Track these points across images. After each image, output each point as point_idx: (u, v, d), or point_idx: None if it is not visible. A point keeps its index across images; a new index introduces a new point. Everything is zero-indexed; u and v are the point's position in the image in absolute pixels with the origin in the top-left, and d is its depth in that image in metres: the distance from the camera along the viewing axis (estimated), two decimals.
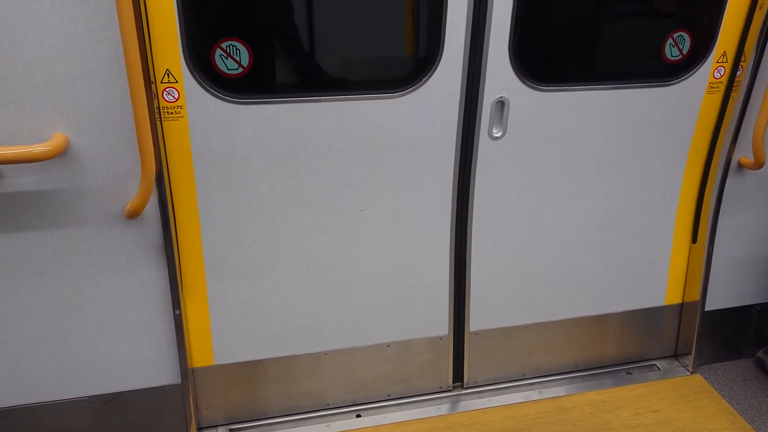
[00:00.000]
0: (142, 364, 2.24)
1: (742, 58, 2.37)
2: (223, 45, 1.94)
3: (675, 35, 2.31)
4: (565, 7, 2.21)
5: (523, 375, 2.76)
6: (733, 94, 2.42)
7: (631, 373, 2.83)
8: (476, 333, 2.61)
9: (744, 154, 2.52)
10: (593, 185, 2.47)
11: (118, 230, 2.04)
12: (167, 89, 1.93)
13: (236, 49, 1.95)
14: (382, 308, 2.46)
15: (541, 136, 2.32)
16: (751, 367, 2.89)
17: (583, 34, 2.29)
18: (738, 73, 2.39)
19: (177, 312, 2.18)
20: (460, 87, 2.16)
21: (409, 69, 2.15)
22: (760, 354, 2.89)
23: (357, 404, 2.60)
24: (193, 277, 2.23)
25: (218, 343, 2.34)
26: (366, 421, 2.53)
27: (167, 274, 2.13)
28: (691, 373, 2.82)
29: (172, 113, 1.97)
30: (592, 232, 2.56)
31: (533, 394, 2.68)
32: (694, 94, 2.40)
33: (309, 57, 2.08)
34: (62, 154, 1.85)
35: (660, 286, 2.76)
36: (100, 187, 1.96)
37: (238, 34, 1.94)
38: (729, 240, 2.69)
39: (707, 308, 2.77)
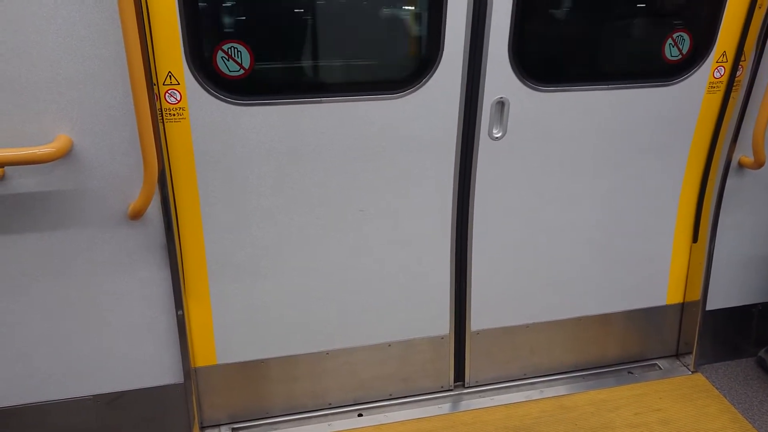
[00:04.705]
0: (145, 364, 2.26)
1: (742, 58, 2.37)
2: (225, 47, 1.95)
3: (675, 35, 2.31)
4: (565, 7, 2.22)
5: (525, 374, 2.77)
6: (733, 94, 2.42)
7: (632, 373, 2.84)
8: (477, 332, 2.62)
9: (744, 153, 2.52)
10: (593, 185, 2.48)
11: (121, 231, 2.05)
12: (169, 91, 1.95)
13: (237, 50, 1.96)
14: (384, 308, 2.47)
15: (541, 137, 2.33)
16: (753, 366, 2.89)
17: (583, 34, 2.30)
18: (738, 73, 2.39)
19: (180, 312, 2.20)
20: (460, 87, 2.17)
21: (409, 70, 2.16)
22: (761, 353, 2.89)
23: (358, 404, 2.61)
24: (196, 277, 2.24)
25: (221, 343, 2.36)
26: (367, 420, 2.54)
27: (170, 275, 2.15)
28: (693, 372, 2.82)
29: (174, 115, 1.98)
30: (593, 231, 2.57)
31: (534, 394, 2.69)
32: (694, 94, 2.41)
33: (310, 58, 2.10)
34: (66, 155, 1.87)
35: (661, 285, 2.77)
36: (103, 189, 1.97)
37: (239, 36, 1.96)
38: (730, 239, 2.69)
39: (708, 308, 2.77)
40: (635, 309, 2.77)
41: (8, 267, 2.01)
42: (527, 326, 2.67)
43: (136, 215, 1.99)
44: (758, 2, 2.25)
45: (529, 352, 2.72)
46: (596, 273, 2.66)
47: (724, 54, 2.35)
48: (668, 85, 2.36)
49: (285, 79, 2.13)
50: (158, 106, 1.94)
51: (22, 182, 1.91)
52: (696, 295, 2.75)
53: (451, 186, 2.34)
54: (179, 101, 1.97)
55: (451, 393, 2.69)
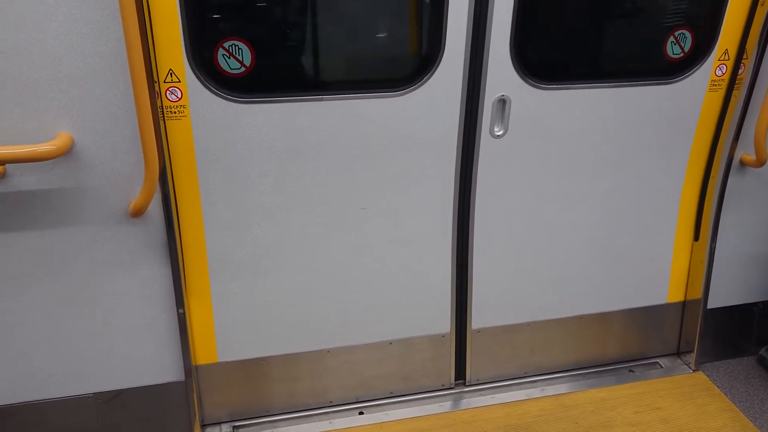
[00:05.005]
0: (145, 362, 2.26)
1: (744, 56, 2.37)
2: (226, 44, 1.95)
3: (677, 33, 2.31)
4: (567, 5, 2.22)
5: (525, 373, 2.76)
6: (734, 92, 2.42)
7: (633, 371, 2.84)
8: (478, 331, 2.61)
9: (746, 151, 2.52)
10: (595, 183, 2.47)
11: (122, 229, 2.05)
12: (170, 89, 1.94)
13: (238, 48, 1.96)
14: (385, 306, 2.47)
15: (542, 135, 2.32)
16: (754, 364, 2.89)
17: (585, 32, 2.30)
18: (740, 71, 2.39)
19: (180, 310, 2.20)
20: (461, 85, 2.17)
21: (410, 68, 2.16)
22: (762, 352, 2.89)
23: (359, 402, 2.61)
24: (197, 275, 2.24)
25: (222, 341, 2.36)
26: (368, 418, 2.54)
27: (171, 272, 2.15)
28: (694, 370, 2.82)
29: (175, 112, 1.98)
30: (594, 229, 2.56)
31: (535, 392, 2.68)
32: (696, 92, 2.40)
33: (311, 56, 2.09)
34: (67, 153, 1.87)
35: (662, 283, 2.77)
36: (104, 186, 1.97)
37: (240, 34, 1.95)
38: (731, 238, 2.68)
39: (710, 306, 2.77)
40: (636, 307, 2.77)
41: (8, 266, 2.01)
42: (528, 325, 2.66)
43: (137, 213, 1.99)
44: (760, 0, 2.25)
45: (530, 350, 2.72)
46: (597, 271, 2.65)
47: (726, 52, 2.35)
48: (670, 83, 2.35)
49: (286, 77, 2.13)
50: (159, 104, 1.94)
51: (23, 180, 1.91)
52: (697, 293, 2.75)
53: (452, 184, 2.34)
54: (180, 99, 1.96)
55: (452, 391, 2.69)
